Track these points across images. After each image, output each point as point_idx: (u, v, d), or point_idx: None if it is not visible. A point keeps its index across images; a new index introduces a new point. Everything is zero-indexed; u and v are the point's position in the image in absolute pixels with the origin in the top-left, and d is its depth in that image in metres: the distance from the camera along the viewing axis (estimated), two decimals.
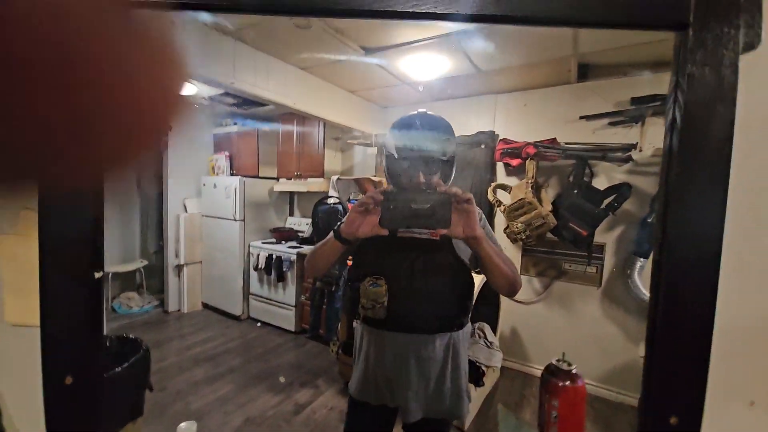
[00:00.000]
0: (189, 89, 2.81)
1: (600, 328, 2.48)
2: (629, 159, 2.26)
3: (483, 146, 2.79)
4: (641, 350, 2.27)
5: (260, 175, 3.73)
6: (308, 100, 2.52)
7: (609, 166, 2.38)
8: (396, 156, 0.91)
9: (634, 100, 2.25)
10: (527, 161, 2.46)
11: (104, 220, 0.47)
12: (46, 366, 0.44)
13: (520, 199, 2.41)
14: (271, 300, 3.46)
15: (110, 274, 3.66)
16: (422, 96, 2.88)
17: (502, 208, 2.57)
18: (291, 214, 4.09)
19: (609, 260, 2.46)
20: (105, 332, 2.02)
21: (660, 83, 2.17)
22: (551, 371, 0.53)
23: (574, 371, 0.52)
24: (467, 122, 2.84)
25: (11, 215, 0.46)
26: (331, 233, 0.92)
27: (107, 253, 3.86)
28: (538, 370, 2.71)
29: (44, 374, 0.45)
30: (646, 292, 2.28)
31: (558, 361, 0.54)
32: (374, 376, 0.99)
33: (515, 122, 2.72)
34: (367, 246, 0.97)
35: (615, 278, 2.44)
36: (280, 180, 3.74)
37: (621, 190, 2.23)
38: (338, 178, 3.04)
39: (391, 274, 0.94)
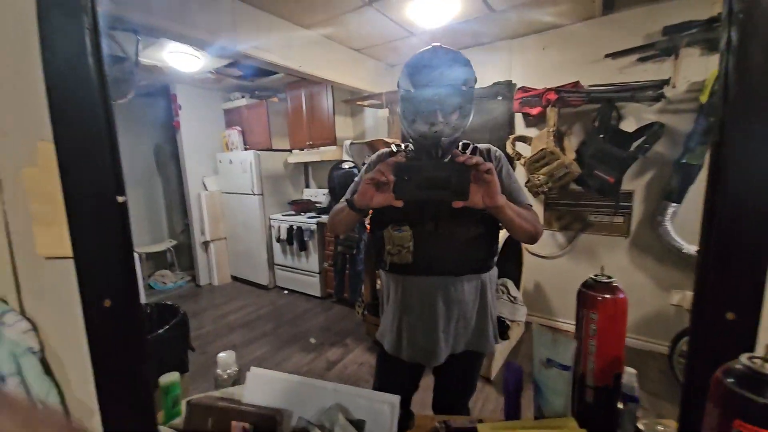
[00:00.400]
0: (194, 62, 2.77)
1: (628, 278, 2.42)
2: (661, 97, 2.08)
3: (500, 98, 2.65)
4: (673, 298, 2.22)
5: (273, 147, 3.72)
6: (314, 62, 2.44)
7: (638, 107, 2.22)
8: (413, 90, 0.87)
9: (667, 29, 2.04)
10: (548, 109, 2.33)
11: (125, 179, 0.46)
12: (84, 293, 0.45)
13: (541, 150, 2.30)
14: (295, 269, 3.56)
15: (144, 255, 3.84)
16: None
17: (523, 161, 2.47)
18: (307, 185, 4.11)
19: (638, 208, 2.35)
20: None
21: (697, 7, 1.96)
22: (588, 285, 0.50)
23: (614, 283, 0.49)
24: (482, 73, 2.65)
25: (28, 147, 0.46)
26: (344, 201, 0.91)
27: (137, 237, 4.02)
28: (563, 324, 2.71)
29: (83, 301, 0.46)
30: (678, 239, 2.18)
31: (596, 275, 0.51)
32: (403, 327, 0.99)
33: (534, 68, 2.54)
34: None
35: (644, 226, 2.34)
36: (294, 151, 3.72)
37: (652, 130, 2.09)
38: (351, 143, 2.99)
39: (414, 218, 0.92)
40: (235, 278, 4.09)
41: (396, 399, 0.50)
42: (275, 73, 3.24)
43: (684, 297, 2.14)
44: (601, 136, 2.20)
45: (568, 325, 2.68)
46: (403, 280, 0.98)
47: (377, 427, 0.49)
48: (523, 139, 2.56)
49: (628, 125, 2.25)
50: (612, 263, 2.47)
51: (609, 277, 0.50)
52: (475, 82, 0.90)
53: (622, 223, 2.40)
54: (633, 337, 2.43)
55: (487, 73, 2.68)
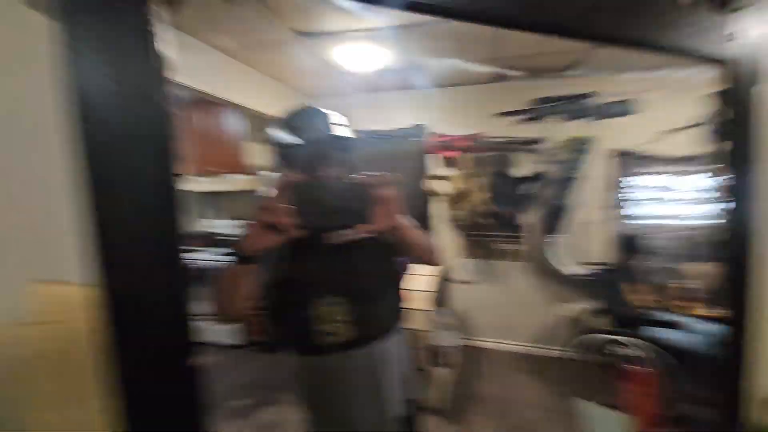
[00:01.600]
0: None
1: (527, 296, 2.85)
2: (537, 150, 2.66)
3: (416, 139, 2.90)
4: (559, 310, 2.69)
5: None
6: (230, 88, 2.23)
7: (522, 156, 2.75)
8: (302, 143, 0.80)
9: (540, 100, 2.65)
10: (465, 153, 2.67)
11: None
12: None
13: (462, 188, 2.61)
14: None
15: None
16: (354, 87, 2.82)
17: (442, 197, 2.73)
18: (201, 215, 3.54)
19: (529, 238, 2.83)
20: None
21: (561, 86, 2.60)
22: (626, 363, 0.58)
23: (641, 359, 0.58)
24: (400, 115, 2.92)
25: None
26: (227, 261, 0.72)
27: None
28: (485, 342, 2.97)
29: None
30: (557, 263, 2.70)
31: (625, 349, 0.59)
32: (344, 415, 0.85)
33: (446, 116, 2.89)
34: (295, 258, 0.80)
35: (533, 252, 2.83)
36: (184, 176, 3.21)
37: (538, 177, 2.61)
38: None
39: (344, 281, 0.81)
40: None
41: None
42: None
43: (568, 309, 2.64)
44: (503, 178, 2.64)
45: (488, 342, 2.95)
46: (342, 358, 0.82)
47: None
48: (440, 177, 2.84)
49: (518, 171, 2.75)
50: (514, 284, 2.88)
51: (635, 351, 0.59)
52: (352, 138, 0.88)
53: (519, 250, 2.85)
54: (533, 345, 2.84)
55: (406, 114, 2.92)
